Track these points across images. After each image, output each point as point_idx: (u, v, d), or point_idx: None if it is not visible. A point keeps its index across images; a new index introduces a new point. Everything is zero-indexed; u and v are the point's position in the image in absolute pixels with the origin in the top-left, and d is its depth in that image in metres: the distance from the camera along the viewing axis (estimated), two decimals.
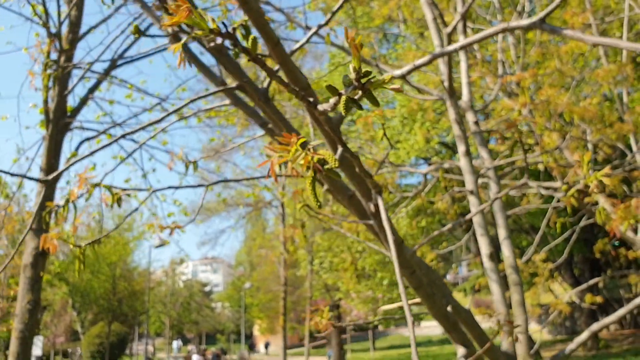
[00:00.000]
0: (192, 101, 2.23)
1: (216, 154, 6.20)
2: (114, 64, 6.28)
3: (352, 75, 0.91)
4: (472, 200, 3.68)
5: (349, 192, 2.39)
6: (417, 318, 4.34)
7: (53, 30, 5.56)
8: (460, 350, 2.21)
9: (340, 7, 2.21)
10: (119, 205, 2.60)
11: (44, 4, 5.40)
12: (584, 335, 3.34)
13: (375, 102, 0.93)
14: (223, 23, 0.99)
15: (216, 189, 21.50)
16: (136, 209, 2.79)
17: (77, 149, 6.56)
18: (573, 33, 1.33)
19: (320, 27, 2.25)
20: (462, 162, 3.73)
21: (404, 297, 1.36)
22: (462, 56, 4.39)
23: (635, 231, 6.63)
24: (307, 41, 2.39)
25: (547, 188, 7.33)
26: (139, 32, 1.96)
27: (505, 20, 6.73)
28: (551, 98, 5.30)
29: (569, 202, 4.58)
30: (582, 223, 7.34)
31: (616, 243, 7.69)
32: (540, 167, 6.74)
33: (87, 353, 30.49)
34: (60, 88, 6.02)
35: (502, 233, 4.11)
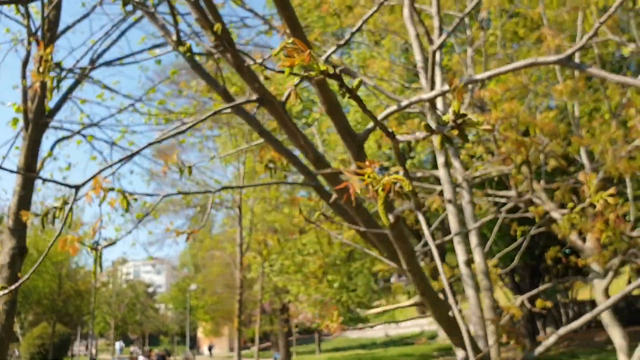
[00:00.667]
0: (214, 113, 2.32)
1: (148, 145, 6.21)
2: (93, 65, 6.22)
3: (451, 117, 1.06)
4: (450, 208, 3.89)
5: (357, 201, 2.53)
6: (394, 321, 4.52)
7: (33, 29, 5.48)
8: (460, 354, 2.38)
9: (360, 28, 2.35)
10: (127, 211, 2.66)
11: (25, 4, 5.32)
12: (552, 339, 3.59)
13: (465, 139, 1.08)
14: (334, 66, 1.11)
15: (165, 190, 21.22)
16: (147, 214, 2.84)
17: (52, 148, 6.46)
18: (598, 72, 1.51)
19: (344, 43, 2.38)
20: (441, 172, 3.93)
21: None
22: (437, 70, 4.61)
23: (584, 240, 7.04)
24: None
25: (502, 197, 7.70)
26: (190, 52, 2.02)
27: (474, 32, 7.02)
28: (514, 111, 5.60)
29: (537, 213, 4.88)
30: (533, 231, 7.73)
31: (567, 251, 8.15)
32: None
33: (26, 355, 29.49)
34: (40, 88, 5.90)
35: (473, 240, 4.34)
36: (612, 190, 2.01)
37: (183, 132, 2.46)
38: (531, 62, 1.65)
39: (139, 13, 5.81)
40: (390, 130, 1.24)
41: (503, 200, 7.50)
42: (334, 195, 2.61)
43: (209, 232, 29.23)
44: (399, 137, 1.24)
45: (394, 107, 2.00)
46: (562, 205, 7.30)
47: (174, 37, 2.92)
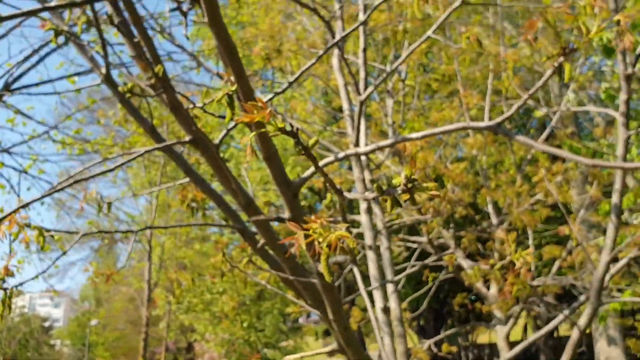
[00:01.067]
0: (146, 152, 2.27)
1: (76, 182, 5.99)
2: (8, 89, 5.89)
3: (402, 181, 1.10)
4: (370, 255, 3.96)
5: (284, 248, 2.53)
6: None
7: None
8: None
9: (297, 78, 2.40)
10: (43, 248, 2.54)
11: None
12: None
13: (415, 204, 1.13)
14: (291, 125, 1.13)
15: (68, 220, 20.24)
16: (63, 254, 2.70)
17: None
18: (525, 140, 1.63)
19: (282, 91, 2.41)
20: (363, 218, 4.02)
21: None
22: (362, 119, 4.75)
23: (488, 287, 7.37)
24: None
25: (414, 242, 7.94)
26: (131, 93, 1.97)
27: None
28: (428, 161, 5.85)
29: (450, 262, 5.07)
30: (442, 277, 7.99)
31: (473, 297, 8.46)
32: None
33: None
34: None
35: (390, 287, 4.43)
36: (530, 250, 2.14)
37: (111, 170, 2.39)
38: (463, 126, 1.75)
39: (61, 39, 5.62)
40: (339, 187, 1.27)
41: (414, 246, 7.74)
42: (262, 241, 2.60)
43: (114, 266, 28.01)
44: (346, 194, 1.27)
45: (331, 158, 2.04)
46: (470, 254, 7.63)
47: (103, 70, 2.86)
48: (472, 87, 8.46)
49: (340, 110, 6.82)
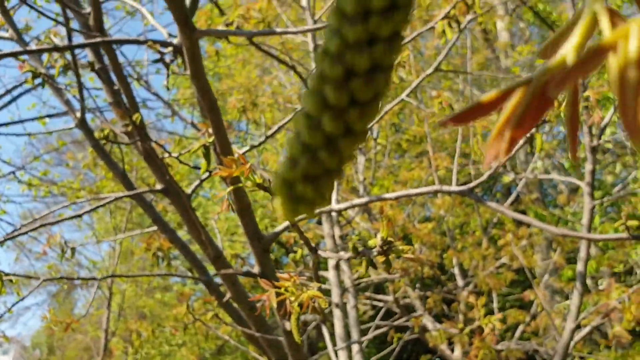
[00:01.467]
0: (116, 199, 2.24)
1: (42, 225, 5.85)
2: None
3: (378, 242, 1.10)
4: (337, 313, 3.92)
5: (251, 304, 2.49)
6: None
7: None
8: None
9: (274, 133, 2.42)
10: (2, 293, 2.46)
11: None
12: None
13: (389, 265, 1.13)
14: (269, 181, 1.13)
15: (27, 262, 19.60)
16: (22, 298, 2.61)
17: None
18: (497, 206, 1.65)
19: (258, 145, 2.41)
20: (331, 274, 3.99)
21: None
22: None
23: (452, 350, 7.31)
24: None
25: (380, 300, 7.89)
26: (106, 139, 1.95)
27: None
28: (397, 220, 5.89)
29: (417, 323, 5.04)
30: (406, 338, 7.92)
31: (436, 359, 8.41)
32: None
33: None
34: None
35: (355, 347, 4.37)
36: (499, 316, 2.15)
37: (79, 216, 2.34)
38: (436, 189, 1.78)
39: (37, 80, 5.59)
40: (313, 245, 1.27)
41: (380, 304, 7.69)
42: (228, 295, 2.55)
43: (71, 312, 27.00)
44: (321, 252, 1.27)
45: (304, 215, 2.04)
46: (435, 315, 7.60)
47: (78, 114, 2.84)
48: (441, 149, 8.65)
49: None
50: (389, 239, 1.10)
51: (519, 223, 7.43)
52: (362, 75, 0.27)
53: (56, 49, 2.01)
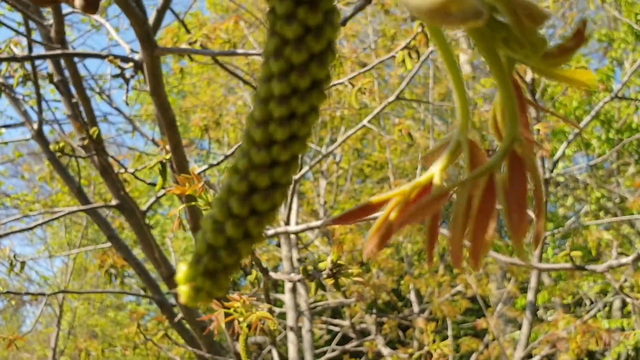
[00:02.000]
0: (70, 213, 2.20)
1: None
2: None
3: (328, 265, 1.12)
4: (291, 336, 3.90)
5: (202, 324, 2.46)
6: None
7: None
8: None
9: (232, 154, 2.42)
10: None
11: None
12: None
13: (338, 288, 1.14)
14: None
15: None
16: None
17: None
18: (495, 256, 1.69)
19: (217, 164, 2.41)
20: (287, 297, 3.97)
21: None
22: (295, 197, 4.80)
23: None
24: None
25: (336, 325, 7.88)
26: (62, 152, 1.92)
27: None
28: (356, 244, 5.92)
29: (371, 348, 5.04)
30: None
31: None
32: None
33: None
34: None
35: None
36: (448, 342, 2.18)
37: (31, 228, 2.29)
38: None
39: None
40: (264, 266, 1.27)
41: (337, 329, 7.67)
42: (180, 314, 2.52)
43: (18, 329, 26.05)
44: (272, 274, 1.27)
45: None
46: (390, 340, 7.62)
47: (35, 126, 2.79)
48: (402, 175, 8.76)
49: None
50: (339, 262, 1.11)
51: None
52: (263, 191, 0.33)
53: (15, 58, 1.99)
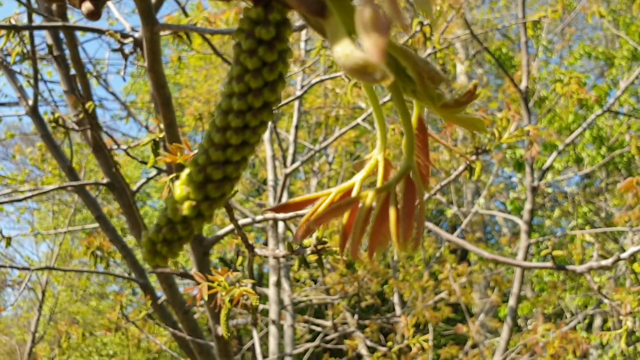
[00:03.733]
0: (59, 188, 2.20)
1: None
2: None
3: (313, 242, 1.13)
4: (272, 330, 3.91)
5: (185, 308, 2.47)
6: None
7: None
8: None
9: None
10: None
11: None
12: None
13: (322, 267, 1.16)
14: None
15: None
16: None
17: None
18: (437, 229, 1.71)
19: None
20: (270, 291, 3.99)
21: None
22: (285, 191, 4.81)
23: None
24: None
25: (318, 325, 7.89)
26: (56, 123, 1.91)
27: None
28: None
29: (351, 346, 5.06)
30: None
31: None
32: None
33: None
34: None
35: None
36: (427, 337, 2.20)
37: (20, 200, 2.29)
38: None
39: None
40: (250, 242, 1.29)
41: (319, 329, 7.68)
42: (163, 297, 2.53)
43: None
44: (257, 250, 1.29)
45: (248, 220, 2.06)
46: (371, 342, 7.63)
47: (30, 102, 2.79)
48: None
49: (265, 182, 6.89)
50: (324, 239, 1.13)
51: (460, 260, 7.57)
52: (216, 182, 0.41)
53: (15, 27, 1.99)
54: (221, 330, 2.07)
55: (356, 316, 7.53)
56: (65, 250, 15.63)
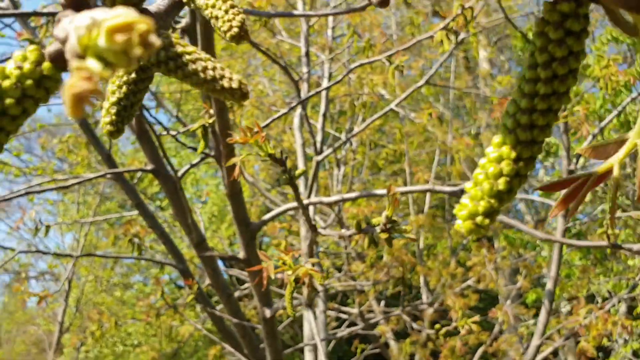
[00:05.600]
0: (100, 176, 2.23)
1: (28, 193, 5.73)
2: None
3: (382, 220, 1.14)
4: (307, 315, 3.93)
5: (228, 291, 2.50)
6: None
7: None
8: None
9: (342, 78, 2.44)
10: None
11: None
12: None
13: (390, 245, 1.16)
14: (281, 153, 1.16)
15: None
16: None
17: None
18: (507, 219, 1.70)
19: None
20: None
21: None
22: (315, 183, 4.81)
23: None
24: None
25: (345, 312, 7.91)
26: None
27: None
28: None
29: (383, 332, 5.08)
30: (369, 350, 7.93)
31: None
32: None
33: None
34: None
35: (321, 351, 4.38)
36: (476, 318, 2.20)
37: (66, 187, 2.33)
38: (428, 188, 1.83)
39: None
40: (313, 223, 1.30)
41: (345, 316, 7.71)
42: (208, 281, 2.55)
43: (23, 304, 26.11)
44: (321, 231, 1.30)
45: (289, 205, 2.08)
46: (398, 332, 7.64)
47: None
48: (419, 167, 8.77)
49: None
50: (393, 217, 1.13)
51: (479, 247, 7.52)
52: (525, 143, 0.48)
53: (51, 14, 2.01)
54: (269, 312, 2.10)
55: (382, 304, 7.55)
56: (89, 242, 15.84)
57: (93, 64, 0.32)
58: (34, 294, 2.72)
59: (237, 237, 2.09)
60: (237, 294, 5.63)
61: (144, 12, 0.63)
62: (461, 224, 0.46)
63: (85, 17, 0.33)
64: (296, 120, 4.36)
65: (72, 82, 0.32)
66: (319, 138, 4.46)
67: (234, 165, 1.92)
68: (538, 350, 3.04)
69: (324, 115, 4.63)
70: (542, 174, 8.65)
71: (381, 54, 3.93)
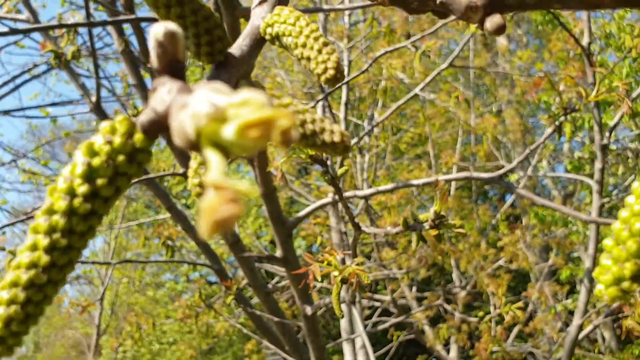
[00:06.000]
0: (139, 181, 2.23)
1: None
2: None
3: (431, 216, 1.11)
4: (343, 307, 3.92)
5: (267, 289, 2.49)
6: None
7: None
8: None
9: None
10: None
11: None
12: None
13: (439, 240, 1.14)
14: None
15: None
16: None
17: None
18: (526, 193, 1.67)
19: None
20: None
21: None
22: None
23: (448, 351, 7.33)
24: None
25: (377, 300, 7.90)
26: None
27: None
28: (393, 220, 5.91)
29: (420, 319, 5.06)
30: (403, 336, 7.92)
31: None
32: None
33: None
34: None
35: (358, 342, 4.38)
36: (520, 304, 2.17)
37: None
38: (467, 175, 1.79)
39: (42, 67, 5.58)
40: (357, 221, 1.27)
41: (377, 304, 7.69)
42: (245, 281, 2.55)
43: (58, 308, 26.61)
44: (365, 229, 1.28)
45: (327, 200, 2.06)
46: (431, 318, 7.61)
47: (93, 99, 2.83)
48: (443, 149, 8.68)
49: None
50: (442, 213, 1.11)
51: (512, 229, 7.43)
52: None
53: (77, 24, 2.01)
54: (310, 310, 2.08)
55: (414, 290, 7.53)
56: (119, 245, 16.04)
57: (211, 155, 0.29)
58: (77, 303, 2.74)
59: (264, 230, 2.08)
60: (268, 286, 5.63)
61: (229, 58, 0.61)
62: (604, 290, 0.42)
63: (203, 102, 0.29)
64: (319, 112, 4.33)
65: (214, 205, 0.28)
66: (342, 127, 4.42)
67: (267, 163, 1.90)
68: (580, 329, 2.99)
69: (346, 104, 4.60)
70: (567, 148, 8.52)
71: (401, 39, 3.87)
